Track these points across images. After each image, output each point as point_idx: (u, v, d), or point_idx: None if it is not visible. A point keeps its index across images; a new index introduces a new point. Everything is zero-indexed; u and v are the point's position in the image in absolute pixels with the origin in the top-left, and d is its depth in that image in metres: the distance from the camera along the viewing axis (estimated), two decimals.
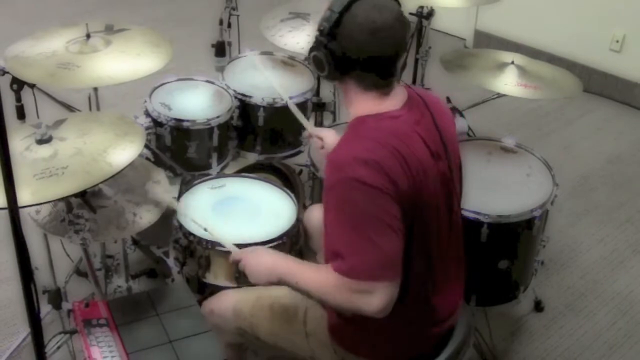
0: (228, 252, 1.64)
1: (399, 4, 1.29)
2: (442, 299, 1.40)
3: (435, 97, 1.43)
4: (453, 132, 1.42)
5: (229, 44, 2.23)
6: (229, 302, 1.55)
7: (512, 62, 2.12)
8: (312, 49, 1.30)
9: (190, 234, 1.68)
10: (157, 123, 1.99)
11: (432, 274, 1.36)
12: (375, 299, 1.22)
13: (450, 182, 1.37)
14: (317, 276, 1.30)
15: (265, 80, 2.20)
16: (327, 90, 2.33)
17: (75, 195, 1.43)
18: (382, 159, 1.22)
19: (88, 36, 1.81)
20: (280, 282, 1.36)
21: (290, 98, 2.10)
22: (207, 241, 1.66)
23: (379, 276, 1.21)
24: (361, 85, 1.30)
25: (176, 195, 1.80)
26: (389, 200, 1.21)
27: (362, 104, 1.31)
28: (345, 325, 1.37)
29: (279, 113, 2.10)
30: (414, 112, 1.32)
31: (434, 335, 1.42)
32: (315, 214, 1.77)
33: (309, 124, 1.87)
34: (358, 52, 1.25)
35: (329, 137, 1.69)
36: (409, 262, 1.28)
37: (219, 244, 1.64)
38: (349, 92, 1.33)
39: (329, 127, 2.15)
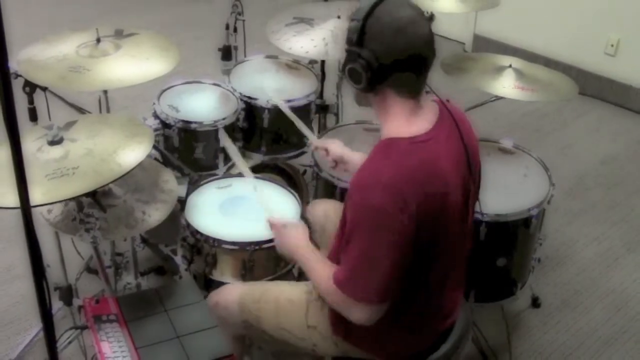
0: (234, 250, 1.68)
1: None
2: (447, 299, 1.43)
3: (460, 109, 1.42)
4: (476, 144, 1.42)
5: (235, 48, 2.25)
6: (235, 295, 1.56)
7: (510, 66, 2.14)
8: (346, 63, 1.27)
9: (198, 232, 1.70)
10: (165, 125, 2.02)
11: (443, 280, 1.39)
12: (353, 314, 1.31)
13: (471, 196, 1.39)
14: (322, 273, 1.37)
15: (269, 83, 2.25)
16: (331, 93, 2.36)
17: (86, 194, 1.45)
18: (404, 185, 1.21)
19: (98, 40, 1.84)
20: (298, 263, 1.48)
21: (294, 100, 2.15)
22: (214, 239, 1.68)
23: (361, 297, 1.28)
24: (398, 92, 1.28)
25: (184, 195, 1.82)
26: (402, 233, 1.23)
27: (395, 119, 1.29)
28: (348, 319, 1.40)
29: (283, 115, 2.12)
30: (444, 130, 1.32)
31: (436, 332, 1.45)
32: (319, 208, 1.80)
33: (313, 136, 1.88)
34: (390, 52, 1.22)
35: (334, 148, 1.71)
36: (424, 272, 1.32)
37: (225, 242, 1.67)
38: (385, 103, 1.30)
39: (333, 128, 2.18)
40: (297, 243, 1.47)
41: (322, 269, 1.38)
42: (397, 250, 1.24)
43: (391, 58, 1.24)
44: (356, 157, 1.64)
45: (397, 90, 1.28)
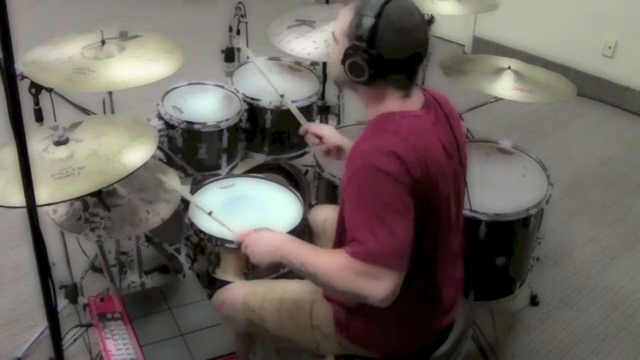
0: (237, 249, 1.67)
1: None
2: (445, 294, 1.44)
3: (446, 98, 1.46)
4: (463, 133, 1.45)
5: (238, 50, 2.27)
6: (239, 294, 1.57)
7: (509, 67, 2.15)
8: (348, 56, 1.30)
9: (201, 231, 1.71)
10: (169, 125, 2.03)
11: (439, 269, 1.40)
12: (381, 286, 1.22)
13: (460, 182, 1.41)
14: (326, 258, 1.29)
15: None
16: (332, 94, 2.37)
17: (91, 194, 1.47)
18: (403, 153, 1.24)
19: (103, 42, 1.85)
20: (283, 262, 1.35)
21: (296, 101, 2.16)
22: (217, 238, 1.69)
23: (390, 264, 1.22)
24: (392, 86, 1.33)
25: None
26: (406, 191, 1.24)
27: (387, 103, 1.34)
28: (351, 318, 1.41)
29: (285, 116, 2.13)
30: (431, 114, 1.36)
31: (436, 329, 1.46)
32: (320, 215, 1.81)
33: (304, 120, 1.86)
34: (396, 53, 1.28)
35: (327, 132, 1.70)
36: (419, 256, 1.31)
37: (228, 241, 1.68)
38: (378, 92, 1.34)
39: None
40: (279, 242, 1.38)
41: (324, 255, 1.32)
42: (406, 209, 1.24)
43: (395, 58, 1.29)
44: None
45: (393, 84, 1.33)
